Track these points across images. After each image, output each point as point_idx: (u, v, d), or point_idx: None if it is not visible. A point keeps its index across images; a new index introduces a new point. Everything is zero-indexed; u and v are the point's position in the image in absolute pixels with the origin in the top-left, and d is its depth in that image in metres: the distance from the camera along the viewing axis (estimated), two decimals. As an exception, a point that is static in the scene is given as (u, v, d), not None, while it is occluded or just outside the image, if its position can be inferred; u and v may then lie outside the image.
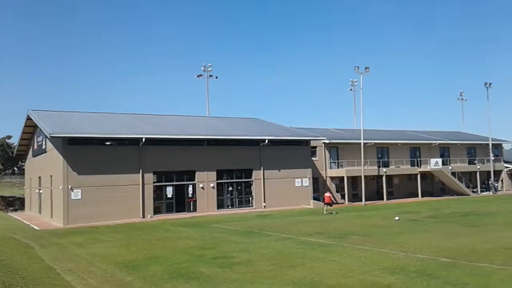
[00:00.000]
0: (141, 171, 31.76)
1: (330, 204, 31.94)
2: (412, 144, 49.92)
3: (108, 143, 31.56)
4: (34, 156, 40.33)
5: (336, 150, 44.87)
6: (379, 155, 47.45)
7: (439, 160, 47.70)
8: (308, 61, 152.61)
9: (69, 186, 29.41)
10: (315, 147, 42.55)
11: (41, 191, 36.91)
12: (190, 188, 33.95)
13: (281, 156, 37.58)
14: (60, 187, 29.64)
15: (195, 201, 33.92)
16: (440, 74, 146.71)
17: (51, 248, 18.85)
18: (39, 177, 37.66)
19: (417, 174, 46.14)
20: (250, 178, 36.52)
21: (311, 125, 67.19)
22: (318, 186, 42.28)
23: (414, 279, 11.23)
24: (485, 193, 50.72)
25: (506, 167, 56.39)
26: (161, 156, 32.73)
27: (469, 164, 53.26)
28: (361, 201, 40.38)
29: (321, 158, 43.43)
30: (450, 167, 49.05)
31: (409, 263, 13.19)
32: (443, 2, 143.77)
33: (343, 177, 42.74)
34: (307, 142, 39.84)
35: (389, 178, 46.12)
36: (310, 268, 12.88)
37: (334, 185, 43.80)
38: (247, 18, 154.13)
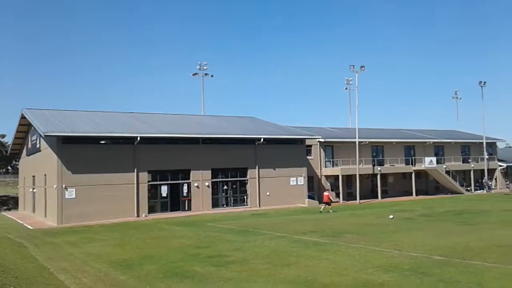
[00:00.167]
0: (135, 170, 31.68)
1: (328, 203, 32.00)
2: (407, 143, 50.08)
3: (102, 142, 31.45)
4: (28, 155, 40.14)
5: (331, 149, 44.93)
6: (374, 154, 47.57)
7: (434, 159, 47.88)
8: (304, 60, 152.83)
9: (63, 185, 29.30)
10: (310, 146, 42.61)
11: (35, 190, 36.75)
12: (185, 187, 33.90)
13: (276, 155, 37.60)
14: (54, 186, 29.52)
15: (190, 200, 33.89)
16: (436, 72, 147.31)
17: (45, 247, 18.78)
18: (33, 176, 37.49)
19: (411, 173, 46.31)
20: (245, 177, 36.52)
21: (307, 124, 67.46)
22: (313, 185, 42.35)
23: (408, 277, 11.28)
24: (479, 191, 50.98)
25: (500, 166, 56.68)
26: (156, 155, 32.66)
27: (463, 162, 53.49)
28: (356, 199, 40.47)
29: (316, 156, 43.48)
30: (445, 166, 49.25)
31: (403, 261, 13.25)
32: (442, 1, 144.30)
33: (338, 175, 42.80)
34: (302, 141, 39.89)
35: (384, 176, 46.25)
36: (305, 267, 12.90)
37: (329, 184, 43.87)
38: (243, 18, 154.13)
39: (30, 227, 27.73)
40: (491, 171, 54.71)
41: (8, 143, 53.80)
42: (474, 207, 31.68)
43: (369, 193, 45.34)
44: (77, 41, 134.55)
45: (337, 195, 43.21)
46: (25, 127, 38.76)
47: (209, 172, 34.72)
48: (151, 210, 32.22)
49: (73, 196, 29.50)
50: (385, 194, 45.26)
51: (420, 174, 47.99)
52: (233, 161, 35.91)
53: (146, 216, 31.32)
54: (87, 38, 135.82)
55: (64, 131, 29.91)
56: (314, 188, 42.33)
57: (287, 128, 43.23)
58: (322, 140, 42.83)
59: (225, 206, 35.57)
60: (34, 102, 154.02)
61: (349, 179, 44.50)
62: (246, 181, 36.56)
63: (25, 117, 34.92)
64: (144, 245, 18.45)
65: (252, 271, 12.54)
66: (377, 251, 15.14)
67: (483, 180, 52.35)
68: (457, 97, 68.98)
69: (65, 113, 36.85)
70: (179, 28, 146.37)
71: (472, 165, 51.98)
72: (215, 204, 34.95)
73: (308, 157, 41.83)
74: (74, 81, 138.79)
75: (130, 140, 31.71)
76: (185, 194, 33.82)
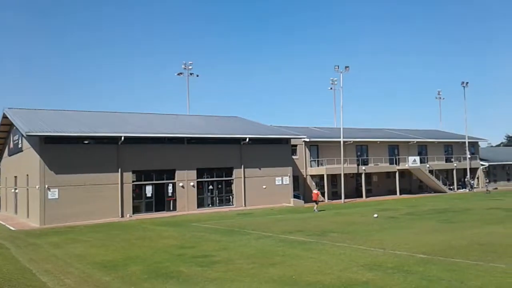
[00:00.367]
0: (120, 170, 31.43)
1: (316, 202, 32.18)
2: (391, 142, 50.59)
3: (86, 141, 31.13)
4: (10, 155, 39.52)
5: (316, 149, 45.16)
6: (359, 153, 47.96)
7: (417, 158, 48.47)
8: (289, 60, 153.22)
9: (46, 186, 28.93)
10: (296, 145, 42.77)
11: (17, 190, 36.20)
12: (170, 187, 33.75)
13: (262, 155, 37.65)
14: (37, 186, 29.12)
15: (175, 200, 33.74)
16: (420, 73, 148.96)
17: (27, 248, 18.52)
18: (15, 177, 36.93)
19: (395, 172, 46.81)
20: (231, 176, 36.49)
21: (292, 123, 67.60)
22: (299, 185, 42.52)
23: (391, 275, 11.39)
24: (462, 190, 51.75)
25: (482, 165, 57.62)
26: (141, 155, 32.46)
27: (446, 162, 54.25)
28: (341, 198, 40.75)
29: (302, 156, 43.66)
30: (428, 165, 49.89)
31: (387, 259, 13.37)
32: (426, 1, 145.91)
33: (323, 175, 43.04)
34: (287, 140, 40.00)
35: (368, 176, 46.67)
36: (290, 266, 12.94)
37: (314, 183, 44.08)
38: (228, 17, 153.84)
39: (12, 228, 27.31)
40: (473, 170, 55.58)
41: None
42: (456, 206, 32.14)
43: (354, 192, 45.71)
44: (62, 41, 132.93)
45: (322, 195, 43.42)
46: (6, 127, 38.16)
47: (194, 172, 34.62)
48: (136, 210, 32.01)
49: (56, 196, 29.15)
50: (369, 193, 45.67)
51: (403, 173, 48.53)
52: (218, 161, 35.85)
53: (131, 216, 31.10)
54: (72, 38, 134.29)
55: (46, 130, 29.53)
56: (299, 187, 42.50)
57: (273, 128, 43.32)
58: (307, 139, 43.02)
59: (210, 206, 35.50)
60: (16, 102, 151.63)
61: (334, 179, 44.78)
62: (232, 180, 36.54)
63: (6, 117, 34.37)
64: (129, 245, 18.31)
65: (238, 271, 12.54)
66: (362, 249, 15.27)
67: (466, 179, 53.15)
68: (440, 97, 69.85)
69: (48, 112, 36.40)
70: (164, 28, 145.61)
71: (455, 164, 52.76)
72: (200, 204, 34.87)
73: (294, 157, 41.98)
74: (59, 81, 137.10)
75: (114, 140, 31.45)
76: (170, 194, 33.66)
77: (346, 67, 42.33)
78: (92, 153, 30.82)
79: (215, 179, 36.02)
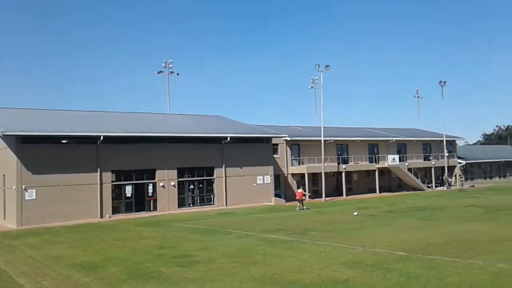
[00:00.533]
0: (99, 170, 31.02)
1: (300, 201, 32.33)
2: (371, 141, 51.13)
3: (64, 141, 30.63)
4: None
5: (297, 147, 45.35)
6: (339, 152, 48.35)
7: (396, 157, 49.11)
8: (271, 60, 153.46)
9: (23, 186, 28.37)
10: (277, 144, 42.86)
11: (-7, 191, 35.36)
12: (150, 187, 33.46)
13: (243, 154, 37.62)
14: (14, 187, 28.54)
15: (155, 200, 33.47)
16: (399, 72, 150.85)
17: (3, 250, 18.15)
18: (-9, 177, 36.07)
19: (375, 170, 47.32)
20: (212, 176, 36.36)
21: (274, 122, 67.68)
22: (280, 183, 42.62)
23: (371, 272, 11.50)
24: (440, 188, 52.60)
25: (459, 163, 58.68)
26: (120, 154, 32.09)
27: (424, 160, 55.07)
28: (321, 197, 41.00)
29: (283, 155, 43.78)
30: (407, 163, 50.57)
31: (367, 257, 13.50)
32: (407, 1, 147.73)
33: (304, 174, 43.24)
34: (269, 139, 40.06)
35: (349, 174, 47.07)
36: (271, 265, 12.96)
37: (295, 182, 44.25)
38: (210, 17, 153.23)
39: (-12, 230, 26.70)
40: (451, 168, 56.57)
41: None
42: (434, 203, 32.64)
43: (334, 190, 46.06)
44: (44, 40, 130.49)
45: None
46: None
47: (175, 171, 34.38)
48: (115, 210, 31.64)
49: (34, 197, 28.62)
50: (349, 192, 46.06)
51: (383, 171, 49.11)
52: (199, 160, 35.68)
53: (110, 217, 30.73)
54: (53, 38, 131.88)
55: (23, 130, 28.95)
56: (280, 186, 42.61)
57: (254, 127, 43.32)
58: (288, 138, 43.16)
59: (191, 205, 35.32)
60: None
61: (314, 177, 45.02)
62: (213, 180, 36.41)
63: (-19, 116, 33.56)
64: (108, 246, 18.09)
65: (219, 270, 12.49)
66: (342, 247, 15.38)
67: (444, 177, 54.06)
68: (418, 97, 70.93)
69: (25, 111, 35.71)
70: (146, 27, 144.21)
71: (433, 163, 53.60)
72: (181, 203, 34.66)
73: (275, 156, 42.07)
74: (39, 81, 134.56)
75: (93, 139, 31.03)
76: (150, 194, 33.37)
77: (327, 66, 42.62)
78: (70, 153, 30.34)
79: (196, 178, 35.84)
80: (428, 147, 56.86)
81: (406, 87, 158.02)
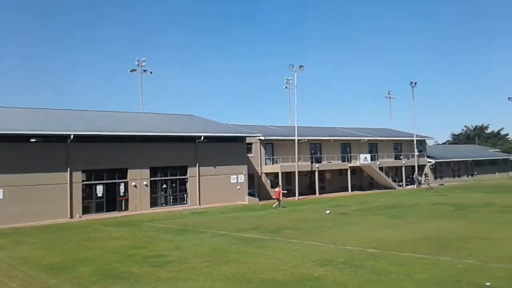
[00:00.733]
0: (69, 169, 30.36)
1: (278, 199, 32.47)
2: (343, 141, 51.75)
3: (33, 140, 29.87)
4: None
5: (271, 147, 45.50)
6: (312, 151, 48.76)
7: (368, 156, 49.87)
8: (245, 60, 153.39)
9: (-11, 186, 27.53)
10: (251, 143, 42.89)
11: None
12: (122, 187, 32.94)
13: (217, 153, 37.47)
14: (-21, 187, 27.66)
15: (127, 200, 32.98)
16: (371, 72, 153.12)
17: (-32, 252, 17.54)
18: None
19: (347, 169, 47.92)
20: (185, 175, 36.09)
21: (248, 122, 67.57)
22: (253, 183, 42.67)
23: (342, 270, 11.64)
24: (410, 186, 53.66)
25: (429, 162, 60.02)
26: (91, 153, 31.49)
27: (395, 159, 56.09)
28: (295, 196, 41.25)
29: (257, 154, 43.85)
30: (378, 162, 51.40)
31: (338, 255, 13.66)
32: (378, 1, 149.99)
33: (277, 173, 43.42)
34: (243, 139, 40.03)
35: (322, 173, 47.52)
36: (244, 263, 12.96)
37: (269, 181, 44.40)
38: (183, 17, 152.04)
39: (-49, 232, 25.78)
40: (421, 167, 57.79)
41: None
42: (405, 202, 33.29)
43: (308, 189, 46.42)
44: (17, 37, 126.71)
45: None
46: None
47: (148, 170, 33.97)
48: (86, 210, 31.03)
49: (1, 197, 27.82)
50: (322, 190, 46.50)
51: (355, 170, 49.78)
52: (172, 160, 35.37)
53: (80, 217, 30.13)
54: (25, 36, 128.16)
55: (-11, 128, 28.07)
56: (254, 185, 42.66)
57: (228, 126, 43.23)
58: (262, 138, 43.26)
59: (164, 205, 34.97)
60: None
61: (288, 176, 45.27)
62: (186, 179, 36.15)
63: None
64: (78, 247, 17.74)
65: (191, 270, 12.41)
66: (314, 245, 15.51)
67: (414, 176, 55.18)
68: (390, 97, 72.10)
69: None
70: (119, 26, 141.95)
71: (404, 162, 54.65)
72: (153, 203, 34.26)
73: (249, 155, 42.09)
74: (9, 79, 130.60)
75: (63, 138, 30.34)
76: (122, 194, 32.87)
77: (300, 66, 42.93)
78: (39, 152, 29.61)
79: (169, 177, 35.50)
80: (399, 147, 57.93)
81: (379, 88, 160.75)
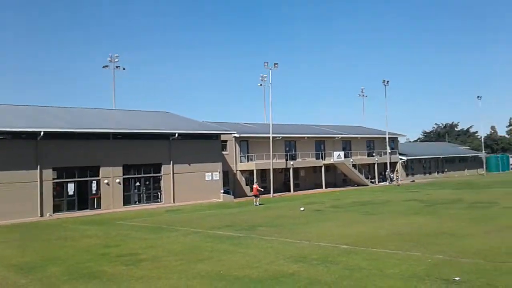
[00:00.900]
0: (39, 167, 29.68)
1: (257, 196, 32.49)
2: (317, 138, 52.19)
3: (1, 137, 29.04)
4: None
5: (246, 144, 45.49)
6: (287, 149, 48.99)
7: (342, 153, 50.45)
8: (221, 58, 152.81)
9: (-45, 184, 26.65)
10: (226, 141, 42.78)
11: None
12: (94, 184, 32.41)
13: (192, 150, 37.24)
14: None
15: (99, 198, 32.46)
16: (345, 71, 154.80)
17: None
18: None
19: (321, 166, 48.38)
20: (159, 172, 35.75)
21: (223, 119, 67.54)
22: (228, 180, 42.61)
23: (316, 266, 11.75)
24: (382, 183, 54.56)
25: (401, 159, 61.13)
26: (62, 151, 30.85)
27: (368, 156, 56.93)
28: (270, 193, 41.40)
29: (232, 151, 43.78)
30: (351, 160, 52.06)
31: (312, 251, 13.78)
32: (350, 1, 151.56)
33: (252, 170, 43.47)
34: (217, 136, 39.91)
35: (296, 170, 47.82)
36: (218, 261, 12.94)
37: (244, 178, 44.41)
38: (158, 14, 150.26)
39: None
40: (393, 164, 58.82)
41: None
42: (377, 198, 33.82)
43: (282, 186, 46.65)
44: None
45: (252, 190, 43.84)
46: None
47: (120, 168, 33.51)
48: (57, 209, 30.41)
49: (-33, 196, 26.97)
50: (297, 187, 46.82)
51: (329, 167, 50.29)
52: (146, 157, 34.98)
53: (51, 215, 29.50)
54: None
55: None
56: (229, 183, 42.61)
57: (202, 124, 43.02)
58: (237, 135, 43.21)
59: (137, 203, 34.57)
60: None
61: (263, 173, 45.39)
62: (160, 177, 35.82)
63: None
64: (48, 246, 17.37)
65: (165, 268, 12.32)
66: (289, 242, 15.61)
67: (386, 173, 56.11)
68: (363, 95, 73.18)
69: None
70: (93, 21, 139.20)
71: (376, 159, 55.53)
72: (126, 201, 33.81)
73: (224, 152, 41.99)
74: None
75: (33, 135, 29.63)
76: (94, 192, 32.34)
77: (275, 64, 43.02)
78: (8, 149, 28.83)
79: (142, 175, 35.10)
80: (372, 144, 58.80)
81: (353, 85, 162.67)
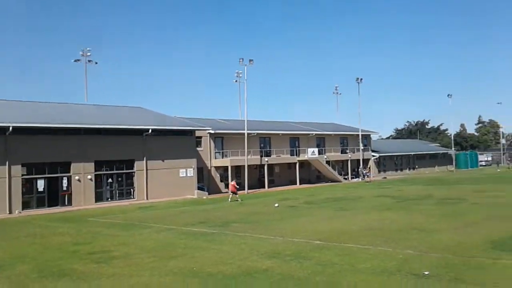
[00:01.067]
0: (7, 163, 28.86)
1: (234, 192, 32.41)
2: (292, 135, 52.45)
3: (-33, 131, 28.14)
4: None
5: (221, 140, 45.34)
6: (262, 145, 49.07)
7: (316, 150, 50.88)
8: (194, 53, 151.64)
9: None
10: (200, 137, 42.52)
11: None
12: (65, 181, 31.72)
13: (166, 146, 36.86)
14: None
15: (70, 195, 31.79)
16: (320, 69, 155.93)
17: None
18: None
19: (296, 163, 48.67)
20: (132, 169, 35.26)
21: (198, 115, 66.95)
22: (203, 176, 42.40)
23: (289, 262, 11.83)
24: (355, 179, 55.28)
25: (373, 156, 62.07)
26: (32, 146, 30.07)
27: (341, 153, 57.55)
28: (244, 189, 41.40)
29: (206, 148, 43.56)
30: (325, 156, 52.54)
31: (286, 247, 13.85)
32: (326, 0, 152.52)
33: (227, 166, 43.38)
34: (192, 132, 39.61)
35: (271, 167, 47.96)
36: (191, 258, 12.87)
37: (218, 175, 44.26)
38: (133, 10, 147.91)
39: None
40: (366, 161, 59.64)
41: None
42: (350, 194, 34.24)
43: (257, 182, 46.72)
44: None
45: (226, 186, 43.82)
46: None
47: (92, 164, 32.88)
48: (26, 206, 29.64)
49: None
50: (271, 184, 46.97)
51: (303, 164, 50.63)
52: (119, 153, 34.43)
53: (20, 212, 28.76)
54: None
55: None
56: (204, 179, 42.40)
57: (177, 119, 42.64)
58: (212, 131, 43.02)
59: (109, 200, 34.02)
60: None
61: (238, 170, 45.33)
62: (133, 173, 35.34)
63: None
64: (17, 243, 16.93)
65: (137, 265, 12.17)
66: (263, 238, 15.65)
67: (359, 169, 56.89)
68: (337, 93, 73.94)
69: None
70: (63, 17, 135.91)
71: (349, 156, 56.21)
72: (98, 198, 33.22)
73: (198, 149, 41.74)
74: None
75: (1, 130, 28.77)
76: (65, 188, 31.66)
77: (250, 60, 42.98)
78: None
79: (115, 171, 34.55)
80: (345, 141, 59.46)
81: (327, 83, 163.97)
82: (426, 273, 10.22)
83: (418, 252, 12.46)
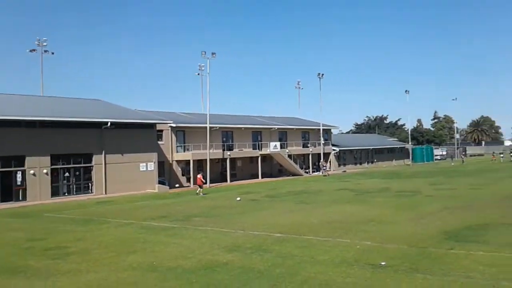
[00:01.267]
0: (-44, 156, 27.56)
1: (200, 186, 32.18)
2: (254, 129, 52.56)
3: None
4: None
5: (183, 134, 44.88)
6: (224, 139, 48.92)
7: (278, 144, 51.23)
8: (156, 45, 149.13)
9: None
10: (162, 130, 41.93)
11: None
12: (19, 175, 30.57)
13: (125, 140, 36.12)
14: None
15: (25, 189, 30.67)
16: (282, 63, 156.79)
17: None
18: None
19: (258, 157, 48.84)
20: (90, 163, 34.37)
21: (159, 108, 66.05)
22: (164, 170, 41.88)
23: (250, 255, 11.87)
24: (316, 173, 56.06)
25: (334, 150, 63.13)
26: (-17, 139, 28.80)
27: (303, 147, 58.20)
28: (206, 183, 41.19)
29: (168, 141, 43.01)
30: (287, 150, 52.98)
31: (247, 240, 13.90)
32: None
33: (189, 160, 43.02)
34: (153, 125, 38.98)
35: (233, 160, 47.92)
36: (151, 252, 12.71)
37: (180, 169, 43.84)
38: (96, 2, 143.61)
39: None
40: (327, 155, 60.57)
41: None
42: (311, 188, 34.70)
43: (219, 176, 46.59)
44: None
45: (188, 180, 43.49)
46: None
47: (48, 158, 31.82)
48: (-23, 201, 28.42)
49: None
50: (234, 178, 46.96)
51: (265, 158, 50.89)
52: (76, 146, 33.46)
53: (-29, 208, 27.53)
54: None
55: None
56: (165, 173, 41.89)
57: (137, 112, 41.86)
58: (173, 125, 42.50)
59: (66, 194, 33.06)
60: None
61: (200, 164, 45.02)
62: (91, 167, 34.46)
63: None
64: (-34, 241, 16.19)
65: (94, 261, 11.90)
66: (224, 232, 15.64)
67: (320, 163, 57.70)
68: (299, 87, 74.63)
69: None
70: (17, 4, 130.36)
71: (311, 150, 56.94)
72: (55, 192, 32.22)
73: (159, 142, 41.16)
74: None
75: None
76: (19, 183, 30.52)
77: (213, 53, 42.70)
78: None
79: (72, 165, 33.58)
80: (307, 135, 60.15)
81: (291, 78, 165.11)
82: (383, 263, 10.50)
83: (375, 243, 12.78)
